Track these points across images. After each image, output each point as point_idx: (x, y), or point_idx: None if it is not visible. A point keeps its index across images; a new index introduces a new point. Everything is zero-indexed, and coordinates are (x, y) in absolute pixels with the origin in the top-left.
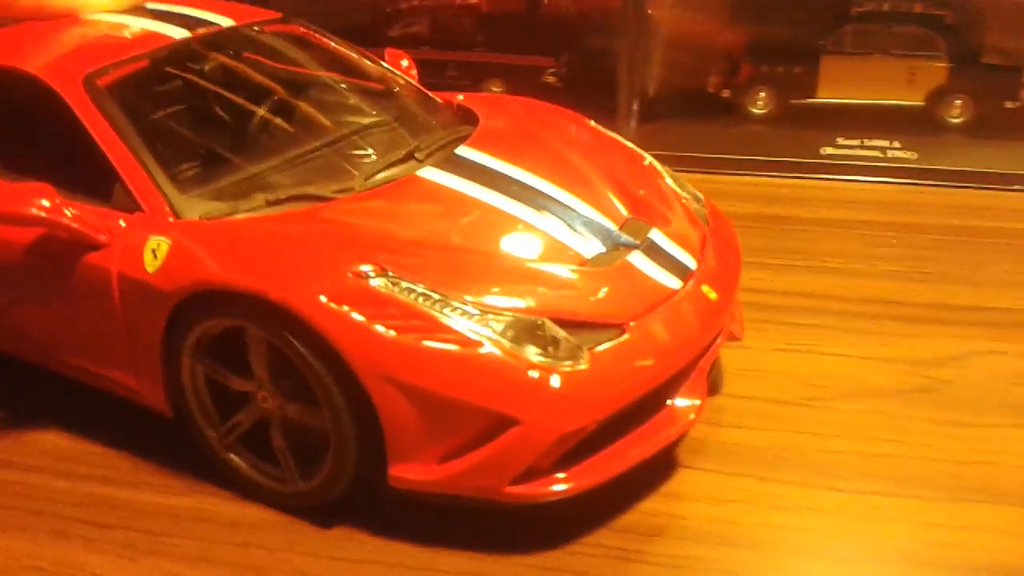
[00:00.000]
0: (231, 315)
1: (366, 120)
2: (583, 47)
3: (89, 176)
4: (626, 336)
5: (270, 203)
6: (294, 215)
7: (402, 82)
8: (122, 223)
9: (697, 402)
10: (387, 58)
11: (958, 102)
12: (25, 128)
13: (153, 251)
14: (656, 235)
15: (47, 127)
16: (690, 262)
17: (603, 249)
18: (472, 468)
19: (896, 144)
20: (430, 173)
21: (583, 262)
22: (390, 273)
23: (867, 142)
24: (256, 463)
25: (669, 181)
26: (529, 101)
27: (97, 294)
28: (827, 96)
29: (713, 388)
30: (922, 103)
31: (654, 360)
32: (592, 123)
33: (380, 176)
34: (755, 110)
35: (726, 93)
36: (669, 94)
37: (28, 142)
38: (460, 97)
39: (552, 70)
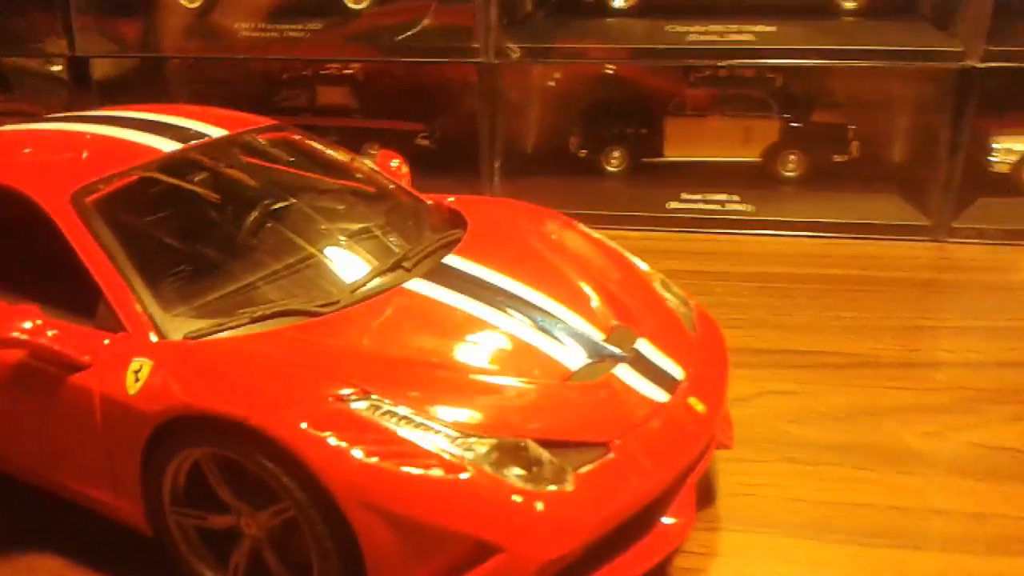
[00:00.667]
0: (211, 441)
1: (356, 227)
2: (452, 111)
3: (75, 293)
4: (611, 455)
5: (255, 319)
6: (277, 334)
7: (392, 186)
8: (106, 343)
9: (685, 520)
10: (377, 159)
11: (792, 157)
12: (13, 242)
13: (135, 373)
14: (643, 345)
15: (35, 242)
16: (677, 372)
17: (589, 360)
18: None
19: (735, 198)
20: (417, 285)
21: (568, 375)
22: (372, 396)
23: (708, 196)
24: None
25: (657, 286)
26: (517, 204)
27: (79, 414)
28: (672, 155)
29: (704, 498)
30: (759, 159)
31: (641, 479)
32: (582, 227)
33: (367, 288)
34: (610, 168)
35: (584, 153)
36: (533, 154)
37: (16, 256)
38: (450, 199)
39: (424, 134)
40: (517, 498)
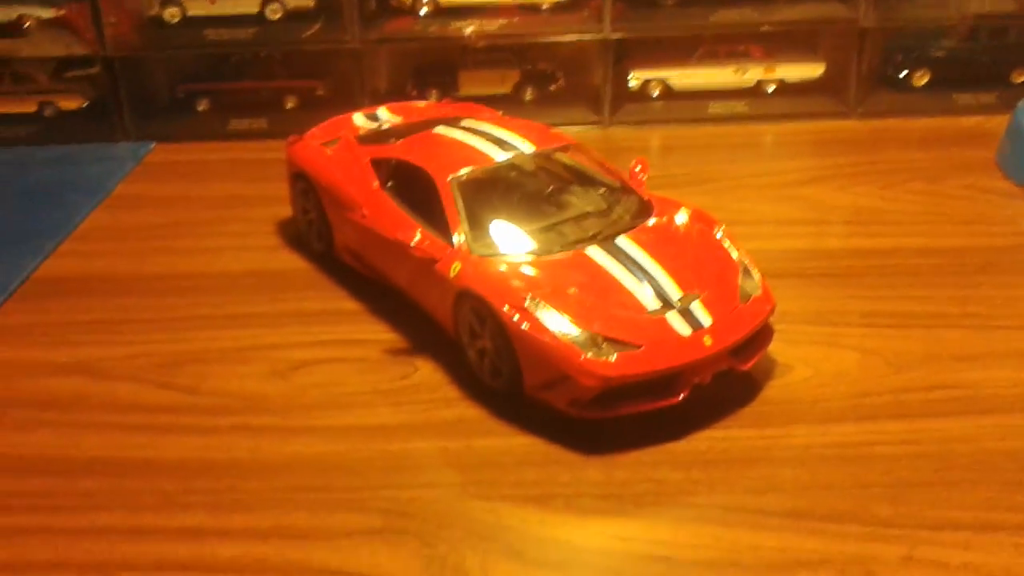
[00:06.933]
0: (474, 302)
1: (589, 208)
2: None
3: (443, 223)
4: (639, 350)
5: (508, 253)
6: (513, 263)
7: (619, 185)
8: (448, 251)
9: (675, 397)
10: (632, 163)
11: (528, 90)
12: (423, 196)
13: (454, 268)
14: (695, 304)
15: (431, 197)
16: (706, 321)
17: (659, 305)
18: (555, 394)
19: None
20: (592, 250)
21: (644, 311)
22: (539, 301)
23: None
24: (477, 362)
25: (741, 272)
26: (691, 210)
27: (435, 282)
28: (465, 91)
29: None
30: (510, 91)
31: (651, 365)
32: (719, 233)
33: (571, 246)
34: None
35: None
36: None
37: (424, 202)
38: (659, 196)
39: (321, 88)
40: (581, 357)
